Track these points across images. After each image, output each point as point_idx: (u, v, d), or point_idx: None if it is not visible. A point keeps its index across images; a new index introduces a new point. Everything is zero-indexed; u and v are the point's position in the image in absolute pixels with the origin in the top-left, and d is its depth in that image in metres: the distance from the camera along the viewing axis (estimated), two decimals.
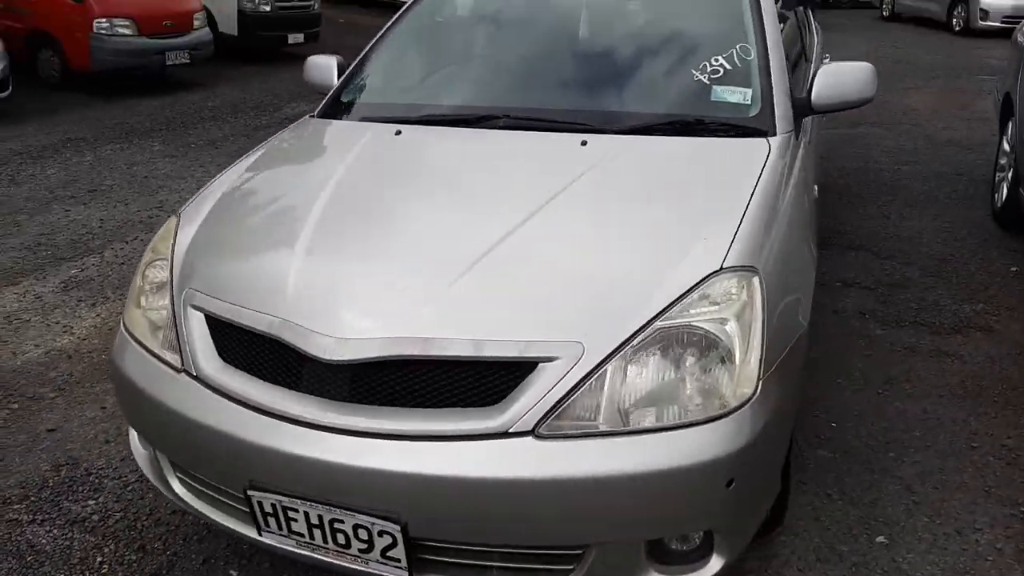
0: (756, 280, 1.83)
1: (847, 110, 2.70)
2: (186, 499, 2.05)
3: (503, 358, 1.68)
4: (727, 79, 2.57)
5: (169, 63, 9.31)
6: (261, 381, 1.83)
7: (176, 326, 1.98)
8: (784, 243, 2.05)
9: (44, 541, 2.37)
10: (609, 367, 1.68)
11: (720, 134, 2.42)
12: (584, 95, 2.67)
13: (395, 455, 1.67)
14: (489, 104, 2.64)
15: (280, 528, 1.84)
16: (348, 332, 1.74)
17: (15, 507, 2.51)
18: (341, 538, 1.78)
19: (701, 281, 1.79)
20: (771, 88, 2.52)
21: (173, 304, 2.02)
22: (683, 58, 2.67)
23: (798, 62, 3.44)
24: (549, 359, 1.68)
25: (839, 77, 2.60)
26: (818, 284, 4.04)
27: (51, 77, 9.19)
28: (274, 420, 1.77)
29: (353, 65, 3.01)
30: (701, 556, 1.80)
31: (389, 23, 3.11)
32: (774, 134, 2.41)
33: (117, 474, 2.65)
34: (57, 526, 2.43)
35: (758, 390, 1.75)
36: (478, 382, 1.70)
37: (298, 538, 1.83)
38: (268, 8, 11.12)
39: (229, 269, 2.04)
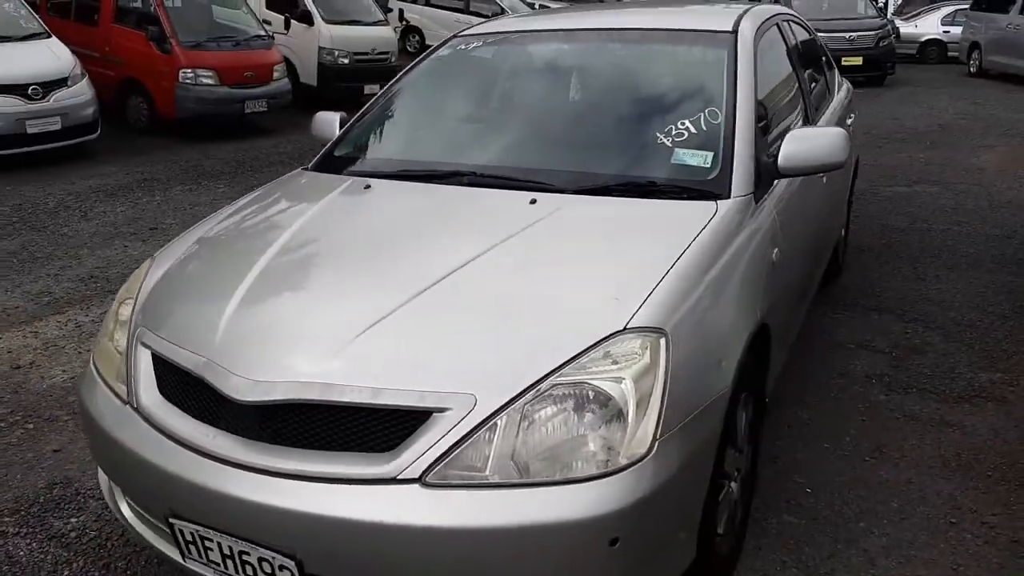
0: (662, 342, 1.85)
1: (818, 173, 2.68)
2: (131, 523, 2.18)
3: (398, 406, 1.76)
4: (691, 142, 2.60)
5: (248, 111, 9.87)
6: (189, 417, 1.95)
7: (127, 361, 2.13)
8: (710, 306, 2.06)
9: (22, 553, 2.55)
10: (501, 420, 1.73)
11: (673, 196, 2.45)
12: (550, 156, 2.75)
13: (291, 494, 1.76)
14: (460, 162, 2.75)
15: (200, 556, 1.94)
16: (259, 375, 1.85)
17: (5, 519, 2.71)
18: (250, 569, 1.87)
19: (604, 340, 1.83)
20: (732, 151, 2.54)
21: (128, 340, 2.18)
22: (652, 122, 2.72)
23: (806, 119, 3.43)
24: (442, 410, 1.74)
25: (807, 142, 2.60)
26: (830, 345, 4.02)
27: (139, 122, 9.86)
28: (195, 454, 1.88)
29: (351, 122, 3.17)
30: None
31: (387, 85, 3.28)
32: (727, 197, 2.43)
33: (101, 495, 2.82)
34: (37, 540, 2.61)
35: (653, 450, 1.76)
36: (374, 429, 1.77)
37: (215, 567, 1.93)
38: (347, 61, 11.66)
39: (177, 310, 2.19)
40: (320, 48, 11.49)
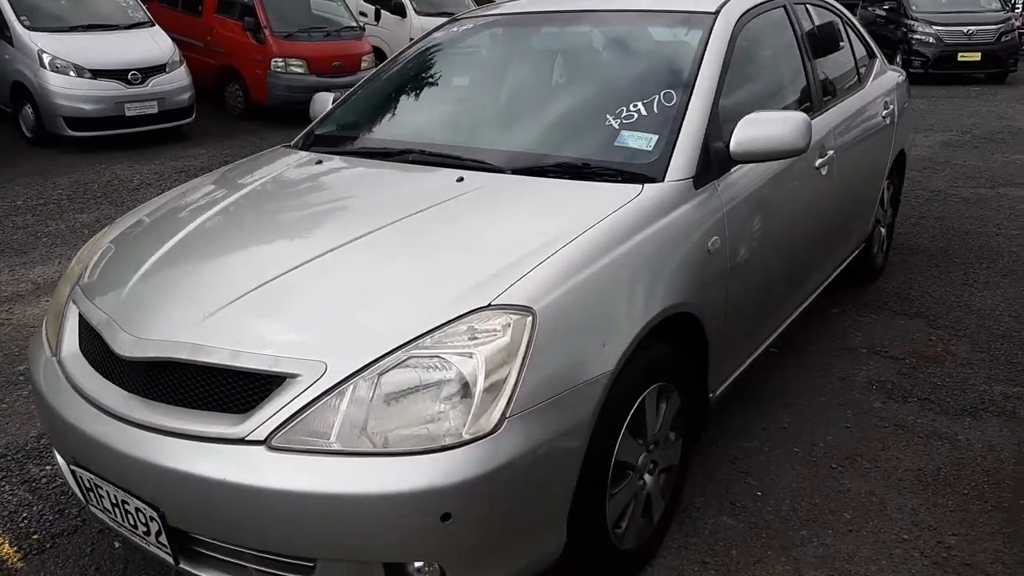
0: (528, 320, 1.83)
1: (775, 160, 2.56)
2: (63, 469, 2.34)
3: (254, 370, 1.82)
4: (639, 125, 2.54)
5: None
6: (93, 371, 2.08)
7: (62, 317, 2.29)
8: (599, 288, 2.01)
9: None
10: (349, 388, 1.76)
11: (606, 178, 2.40)
12: (498, 135, 2.74)
13: (157, 448, 1.85)
14: (411, 140, 2.78)
15: (97, 503, 2.07)
16: (142, 333, 1.95)
17: None
18: (131, 519, 1.97)
19: (466, 315, 1.83)
20: (678, 135, 2.46)
21: (66, 298, 2.34)
22: (607, 103, 2.66)
23: (810, 107, 3.26)
24: (293, 375, 1.79)
25: (761, 127, 2.48)
26: (840, 349, 3.82)
27: (236, 108, 10.40)
28: (90, 406, 2.01)
29: (336, 103, 3.26)
30: None
31: (377, 68, 3.36)
32: (661, 180, 2.36)
33: None
34: (11, 483, 2.83)
35: (501, 428, 1.75)
36: (234, 390, 1.84)
37: (108, 513, 2.05)
38: None
39: (107, 273, 2.33)
40: (410, 39, 11.72)
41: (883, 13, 14.75)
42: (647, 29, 3.01)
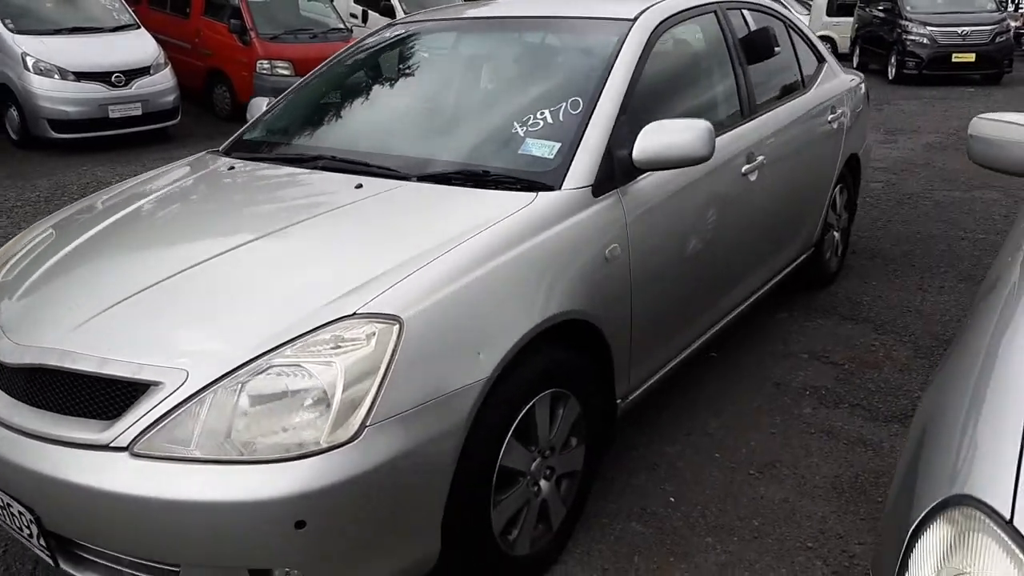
0: (394, 329, 1.84)
1: (679, 167, 2.55)
2: None
3: (119, 377, 1.83)
4: (544, 132, 2.54)
5: None
6: None
7: None
8: (476, 296, 2.02)
9: None
10: (210, 395, 1.78)
11: (506, 186, 2.41)
12: (407, 142, 2.75)
13: (32, 453, 1.88)
14: (323, 146, 2.81)
15: None
16: (22, 340, 1.97)
17: None
18: (16, 521, 2.00)
19: (330, 323, 1.84)
20: (579, 142, 2.47)
21: None
22: (516, 111, 2.67)
23: (739, 113, 3.26)
24: (157, 383, 1.80)
25: (664, 135, 2.48)
26: (780, 354, 3.82)
27: (223, 110, 10.45)
28: None
29: (266, 108, 3.28)
30: None
31: (308, 74, 3.38)
32: (558, 188, 2.36)
33: None
34: None
35: (360, 437, 1.76)
36: (102, 397, 1.86)
37: (1, 515, 2.07)
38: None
39: (10, 276, 2.35)
40: None
41: (879, 14, 14.68)
42: (567, 36, 3.02)
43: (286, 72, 10.03)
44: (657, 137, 2.48)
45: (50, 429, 1.87)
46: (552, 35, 3.04)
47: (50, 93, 8.31)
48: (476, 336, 1.99)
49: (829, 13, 17.01)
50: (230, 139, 3.21)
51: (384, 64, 3.27)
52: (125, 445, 1.78)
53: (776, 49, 3.57)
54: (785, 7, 4.30)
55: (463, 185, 2.45)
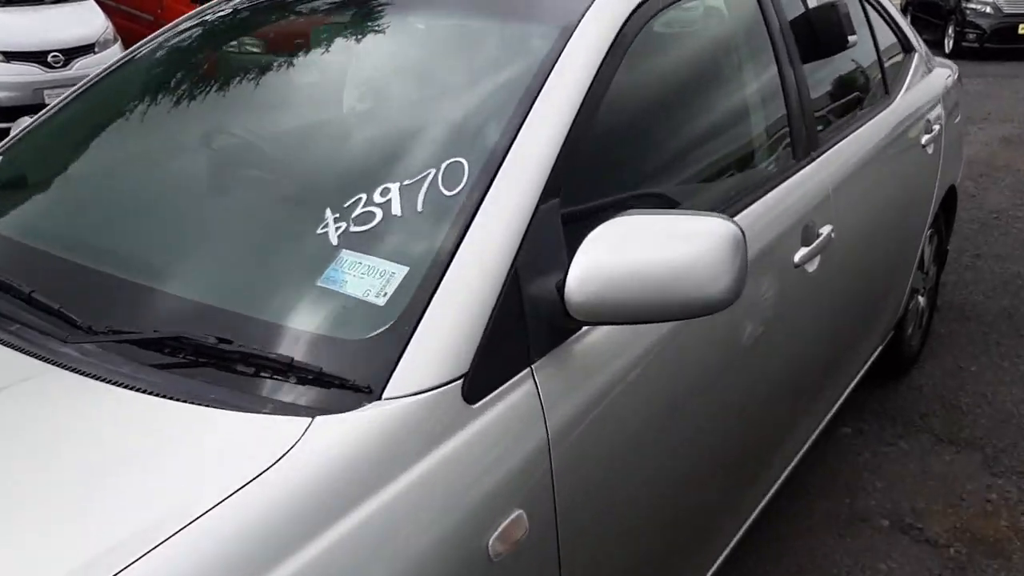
0: None
1: (660, 322, 1.19)
2: None
3: None
4: (381, 235, 1.20)
5: None
6: None
7: None
8: None
9: None
10: None
11: (268, 376, 1.07)
12: (123, 264, 1.36)
13: None
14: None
15: None
16: None
17: None
18: None
19: None
20: (447, 265, 1.12)
21: None
22: (342, 185, 1.32)
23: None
24: None
25: (631, 252, 1.13)
26: (845, 521, 2.39)
27: None
28: None
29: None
30: None
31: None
32: (377, 396, 1.02)
33: None
34: None
35: None
36: None
37: None
38: None
39: None
40: None
41: None
42: (459, 36, 1.65)
43: (256, 50, 8.72)
44: (617, 257, 1.13)
45: None
46: (456, 39, 1.67)
47: None
48: None
49: None
50: None
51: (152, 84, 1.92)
52: None
53: (851, 39, 2.14)
54: None
55: (183, 367, 1.10)
